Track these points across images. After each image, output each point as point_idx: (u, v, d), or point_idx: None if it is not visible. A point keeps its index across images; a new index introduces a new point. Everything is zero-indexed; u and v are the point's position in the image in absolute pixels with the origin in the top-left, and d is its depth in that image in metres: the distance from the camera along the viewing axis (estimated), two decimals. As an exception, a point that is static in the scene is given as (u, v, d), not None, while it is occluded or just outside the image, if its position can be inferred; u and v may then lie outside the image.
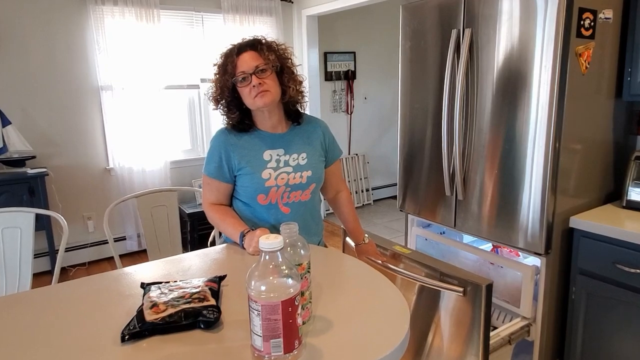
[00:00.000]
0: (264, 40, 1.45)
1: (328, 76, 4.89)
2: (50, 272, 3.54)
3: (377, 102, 5.32)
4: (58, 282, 1.57)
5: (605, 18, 1.77)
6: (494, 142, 1.91)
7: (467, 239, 2.39)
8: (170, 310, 0.97)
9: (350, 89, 5.06)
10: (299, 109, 1.56)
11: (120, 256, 3.95)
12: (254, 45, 1.42)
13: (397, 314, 1.00)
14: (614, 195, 2.06)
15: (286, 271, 0.82)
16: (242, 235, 1.42)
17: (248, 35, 1.47)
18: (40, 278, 3.47)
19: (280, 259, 0.82)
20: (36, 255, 3.45)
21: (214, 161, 1.49)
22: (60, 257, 1.78)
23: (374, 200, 5.44)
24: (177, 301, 1.01)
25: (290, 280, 0.81)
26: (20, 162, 3.30)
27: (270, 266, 0.82)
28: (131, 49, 3.63)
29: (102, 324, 1.01)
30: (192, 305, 1.00)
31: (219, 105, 1.49)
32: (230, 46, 1.45)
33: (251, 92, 1.40)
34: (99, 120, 3.72)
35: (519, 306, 1.93)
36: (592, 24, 1.73)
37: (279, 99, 1.46)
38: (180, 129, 4.20)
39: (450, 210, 2.16)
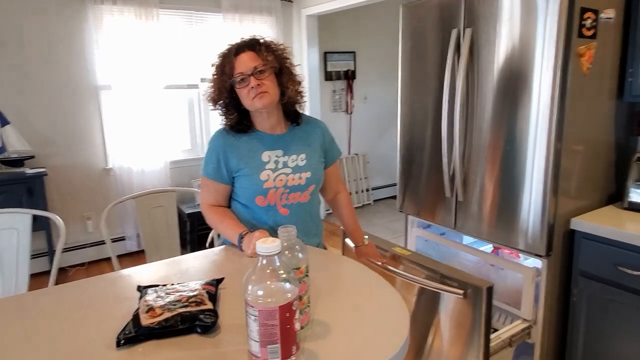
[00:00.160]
0: (262, 41, 1.44)
1: (328, 76, 4.87)
2: (49, 272, 3.53)
3: (377, 102, 5.30)
4: (56, 283, 1.57)
5: (607, 18, 1.76)
6: (495, 142, 1.89)
7: (467, 240, 2.38)
8: (167, 315, 0.96)
9: (350, 88, 5.05)
10: (298, 109, 1.55)
11: (120, 256, 3.96)
12: (252, 45, 1.41)
13: (396, 320, 0.99)
14: (615, 196, 2.05)
15: (284, 275, 0.81)
16: (241, 237, 1.41)
17: (247, 35, 1.46)
18: (40, 278, 3.45)
19: (278, 263, 0.81)
20: (36, 255, 3.44)
21: (212, 162, 1.48)
22: (57, 258, 1.77)
23: (373, 200, 5.43)
24: (174, 305, 1.00)
25: (288, 285, 0.80)
26: (18, 162, 3.29)
27: (268, 270, 0.80)
28: (130, 48, 3.61)
29: (97, 328, 0.99)
30: (188, 309, 0.98)
31: (217, 106, 1.48)
32: (228, 46, 1.43)
33: (249, 93, 1.38)
34: (98, 120, 3.70)
35: (520, 308, 1.92)
36: (594, 24, 1.71)
37: (278, 100, 1.45)
38: (180, 129, 4.19)
39: (450, 211, 2.15)
